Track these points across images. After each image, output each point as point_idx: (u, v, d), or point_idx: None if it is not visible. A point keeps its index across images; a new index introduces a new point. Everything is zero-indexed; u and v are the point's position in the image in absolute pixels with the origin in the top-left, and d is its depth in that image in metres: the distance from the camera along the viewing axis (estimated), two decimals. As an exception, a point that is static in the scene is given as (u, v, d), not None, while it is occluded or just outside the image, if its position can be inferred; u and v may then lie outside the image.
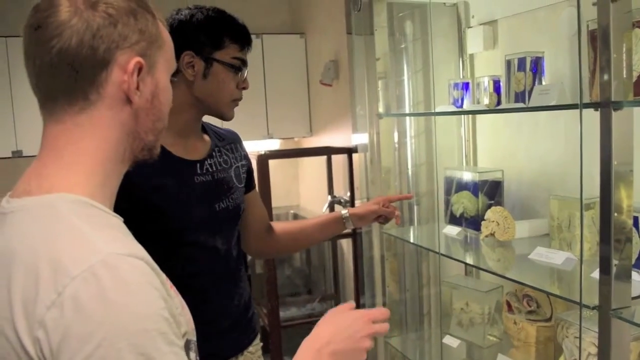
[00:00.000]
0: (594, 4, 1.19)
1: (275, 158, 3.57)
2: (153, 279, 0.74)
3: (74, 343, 0.67)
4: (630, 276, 1.23)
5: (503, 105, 1.83)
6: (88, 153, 0.82)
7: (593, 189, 1.28)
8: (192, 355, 0.84)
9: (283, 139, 4.39)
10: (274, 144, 4.42)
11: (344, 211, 1.80)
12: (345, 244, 3.80)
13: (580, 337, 1.33)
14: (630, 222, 1.23)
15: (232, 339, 1.59)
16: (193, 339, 0.87)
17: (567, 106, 1.36)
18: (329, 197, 3.62)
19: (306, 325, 4.05)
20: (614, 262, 1.27)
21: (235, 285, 1.62)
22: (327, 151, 3.68)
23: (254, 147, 3.94)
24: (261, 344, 1.73)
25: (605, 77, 1.16)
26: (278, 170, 4.49)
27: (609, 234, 1.20)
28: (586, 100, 1.33)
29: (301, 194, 4.71)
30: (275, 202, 4.40)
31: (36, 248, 0.73)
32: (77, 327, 0.67)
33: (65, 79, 0.80)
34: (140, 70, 0.83)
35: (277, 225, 1.85)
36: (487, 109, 1.87)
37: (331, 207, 3.75)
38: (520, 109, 1.64)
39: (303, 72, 4.24)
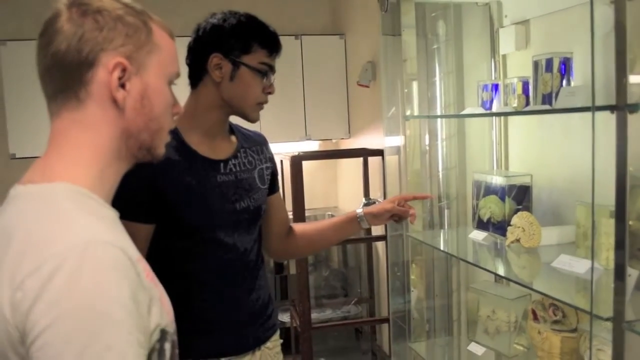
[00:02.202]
0: (611, 2, 1.14)
1: (309, 159, 3.57)
2: (127, 268, 0.79)
3: (38, 310, 0.73)
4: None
5: (530, 107, 1.78)
6: (85, 147, 0.90)
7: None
8: (167, 345, 0.87)
9: (321, 140, 4.39)
10: (313, 146, 4.42)
11: (359, 210, 1.79)
12: (380, 247, 3.76)
13: (590, 348, 1.28)
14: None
15: (250, 333, 1.61)
16: (170, 331, 0.90)
17: (581, 109, 1.31)
18: (364, 200, 3.59)
19: (339, 328, 4.06)
20: (635, 271, 1.22)
21: (253, 283, 1.64)
22: (362, 153, 3.66)
23: (291, 149, 3.95)
24: (281, 340, 1.75)
25: (621, 78, 1.11)
26: (317, 172, 4.49)
27: (624, 241, 1.14)
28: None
29: (339, 195, 4.70)
30: (313, 204, 4.41)
31: (28, 227, 0.81)
32: (47, 295, 0.74)
33: (58, 79, 0.89)
34: (124, 70, 0.89)
35: (296, 227, 1.86)
36: (512, 111, 1.82)
37: (366, 210, 3.72)
38: (539, 111, 1.59)
39: (342, 74, 4.22)
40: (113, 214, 0.91)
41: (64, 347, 0.72)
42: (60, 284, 0.74)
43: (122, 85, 0.90)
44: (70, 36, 0.87)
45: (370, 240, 3.80)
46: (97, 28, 0.88)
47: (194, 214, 1.51)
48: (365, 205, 3.62)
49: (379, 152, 3.30)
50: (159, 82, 0.95)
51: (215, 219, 1.55)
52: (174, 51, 0.99)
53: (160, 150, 0.99)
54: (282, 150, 3.64)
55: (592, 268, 1.23)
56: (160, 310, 0.86)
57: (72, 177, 0.87)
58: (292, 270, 3.71)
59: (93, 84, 0.88)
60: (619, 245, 1.16)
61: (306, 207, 3.24)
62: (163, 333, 0.86)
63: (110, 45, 0.88)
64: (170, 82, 0.99)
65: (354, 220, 1.79)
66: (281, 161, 3.57)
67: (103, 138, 0.90)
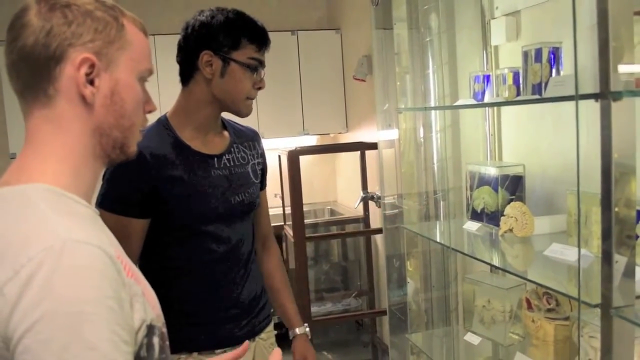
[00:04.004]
0: (595, -9, 1.15)
1: (306, 154, 3.58)
2: (106, 266, 0.78)
3: (19, 315, 0.73)
4: (634, 274, 1.19)
5: (520, 98, 1.78)
6: (57, 146, 0.89)
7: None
8: (156, 339, 0.88)
9: (319, 135, 4.40)
10: (310, 140, 4.43)
11: (299, 330, 1.82)
12: (379, 240, 3.78)
13: (578, 335, 1.29)
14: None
15: (244, 325, 1.65)
16: (158, 325, 0.90)
17: (566, 98, 1.32)
18: (362, 193, 3.60)
19: (340, 321, 4.08)
20: (624, 258, 1.23)
21: (246, 275, 1.68)
22: (359, 147, 3.67)
23: (289, 144, 3.97)
24: (275, 332, 1.78)
25: (605, 66, 1.12)
26: (316, 167, 4.51)
27: (610, 228, 1.16)
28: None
29: (338, 190, 4.71)
30: (312, 198, 4.43)
31: (3, 231, 0.80)
32: (24, 301, 0.73)
33: (25, 75, 0.88)
34: (93, 66, 0.88)
35: (269, 263, 1.87)
36: (500, 101, 1.84)
37: (364, 203, 3.74)
38: (528, 100, 1.60)
39: (339, 68, 4.23)
40: (90, 212, 0.90)
41: (43, 349, 0.71)
42: (38, 288, 0.73)
43: (91, 82, 0.88)
44: (37, 30, 0.85)
45: (369, 233, 3.82)
46: (66, 23, 0.86)
47: (189, 209, 1.55)
48: (363, 199, 3.65)
49: (376, 146, 3.31)
50: (130, 79, 0.93)
51: (210, 213, 1.58)
52: (146, 47, 0.97)
53: (133, 149, 0.97)
54: (280, 146, 3.66)
55: (579, 254, 1.25)
56: (144, 306, 0.86)
57: (46, 176, 0.86)
58: (292, 264, 3.73)
59: (61, 80, 0.87)
60: (606, 232, 1.17)
61: (305, 201, 3.26)
62: (150, 328, 0.86)
63: (79, 40, 0.87)
64: (143, 79, 0.97)
65: (290, 327, 1.84)
66: (279, 156, 3.58)
67: (74, 136, 0.89)
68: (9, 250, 0.77)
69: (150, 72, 0.98)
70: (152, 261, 1.58)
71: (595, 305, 1.21)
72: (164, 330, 0.93)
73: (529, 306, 1.88)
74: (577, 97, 1.18)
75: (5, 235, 0.79)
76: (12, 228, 0.80)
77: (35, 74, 0.87)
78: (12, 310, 0.73)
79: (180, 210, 1.53)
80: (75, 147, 0.89)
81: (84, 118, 0.89)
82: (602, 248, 1.19)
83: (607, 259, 1.18)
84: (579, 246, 1.26)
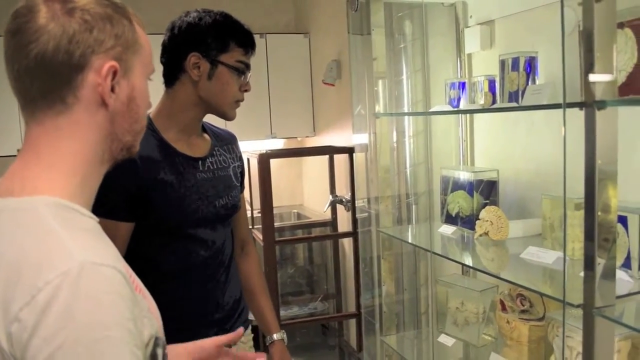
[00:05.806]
0: (579, 4, 1.19)
1: (277, 157, 3.58)
2: (122, 288, 0.76)
3: (38, 342, 0.70)
4: (614, 275, 1.24)
5: (498, 105, 1.83)
6: (68, 155, 0.85)
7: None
8: (159, 350, 0.86)
9: (286, 138, 4.40)
10: (278, 144, 4.44)
11: (277, 336, 1.79)
12: (347, 243, 3.81)
13: (563, 335, 1.34)
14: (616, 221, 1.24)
15: (228, 329, 1.63)
16: (161, 336, 0.89)
17: (552, 106, 1.37)
18: (330, 197, 3.63)
19: (306, 324, 4.09)
20: (602, 260, 1.28)
21: (227, 278, 1.67)
22: (329, 151, 3.70)
23: (257, 147, 3.96)
24: (252, 334, 1.80)
25: (589, 76, 1.17)
26: (283, 170, 4.51)
27: (593, 232, 1.20)
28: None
29: (305, 193, 4.72)
30: (279, 202, 4.43)
31: (16, 251, 0.76)
32: (43, 328, 0.70)
33: (42, 82, 0.82)
34: (115, 74, 0.85)
35: (248, 267, 1.86)
36: (479, 108, 1.88)
37: (333, 207, 3.76)
38: (506, 108, 1.65)
39: (307, 72, 4.25)
40: (94, 223, 0.87)
41: None
42: (57, 314, 0.71)
43: (112, 89, 0.85)
44: (58, 36, 0.80)
45: (338, 236, 3.84)
46: (87, 29, 0.82)
47: (176, 212, 1.53)
48: (332, 202, 3.67)
49: (346, 150, 3.35)
50: (143, 84, 0.91)
51: (196, 216, 1.57)
52: (150, 48, 0.94)
53: (137, 149, 0.96)
54: (248, 149, 3.65)
55: (565, 257, 1.29)
56: (151, 321, 0.85)
57: (52, 187, 0.82)
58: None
59: (83, 88, 0.83)
60: (589, 235, 1.22)
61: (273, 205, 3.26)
62: (156, 340, 0.85)
63: (101, 47, 0.83)
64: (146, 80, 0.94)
65: (267, 332, 1.81)
66: (248, 159, 3.58)
67: (87, 144, 0.86)
68: (24, 274, 0.74)
69: (153, 72, 0.96)
70: (136, 266, 1.55)
71: (578, 306, 1.25)
72: (164, 339, 0.92)
73: (503, 308, 1.93)
74: (564, 105, 1.22)
75: (18, 257, 0.76)
76: (25, 248, 0.76)
77: (54, 81, 0.82)
78: (30, 337, 0.71)
79: (166, 213, 1.51)
80: (85, 156, 0.86)
81: (100, 126, 0.86)
82: (585, 251, 1.24)
83: (589, 261, 1.23)
84: (564, 249, 1.31)
